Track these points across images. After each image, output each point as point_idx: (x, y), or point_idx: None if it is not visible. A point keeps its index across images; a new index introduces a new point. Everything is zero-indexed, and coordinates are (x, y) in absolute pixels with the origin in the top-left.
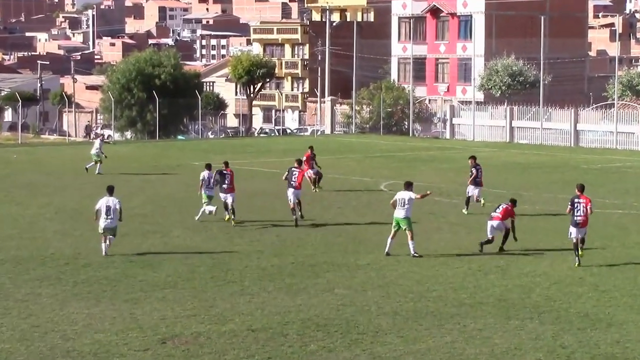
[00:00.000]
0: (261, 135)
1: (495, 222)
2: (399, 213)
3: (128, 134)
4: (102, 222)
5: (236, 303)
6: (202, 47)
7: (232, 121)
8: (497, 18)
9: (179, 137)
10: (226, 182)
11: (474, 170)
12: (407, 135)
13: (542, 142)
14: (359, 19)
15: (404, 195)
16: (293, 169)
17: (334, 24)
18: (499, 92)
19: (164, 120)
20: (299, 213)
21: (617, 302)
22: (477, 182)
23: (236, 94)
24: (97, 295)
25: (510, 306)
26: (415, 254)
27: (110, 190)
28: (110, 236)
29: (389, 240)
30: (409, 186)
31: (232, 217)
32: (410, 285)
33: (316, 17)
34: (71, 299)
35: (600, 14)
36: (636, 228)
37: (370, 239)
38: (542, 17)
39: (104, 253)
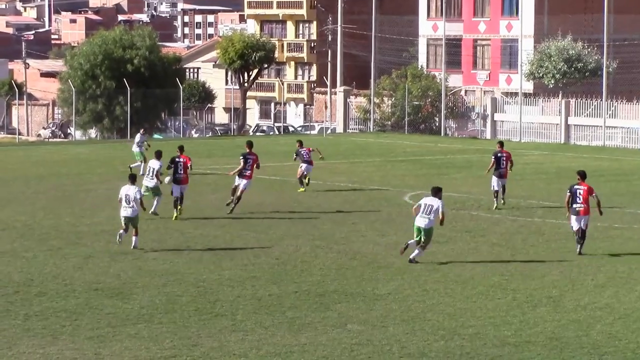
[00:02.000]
0: (257, 134)
1: (582, 218)
2: (421, 221)
3: (92, 132)
4: (122, 211)
5: (226, 341)
6: (184, 24)
7: (221, 117)
8: None
9: (156, 136)
10: (179, 171)
11: (492, 159)
12: (438, 134)
13: (605, 144)
14: None
15: (430, 202)
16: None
17: None
18: (552, 82)
19: (136, 116)
20: None
21: None
22: (500, 174)
23: (227, 83)
24: (54, 331)
25: (565, 346)
26: (413, 260)
27: (133, 179)
28: (132, 227)
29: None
30: (437, 192)
31: (179, 213)
32: (440, 320)
33: None
34: (22, 335)
35: None
36: None
37: (391, 263)
38: None
39: (117, 239)
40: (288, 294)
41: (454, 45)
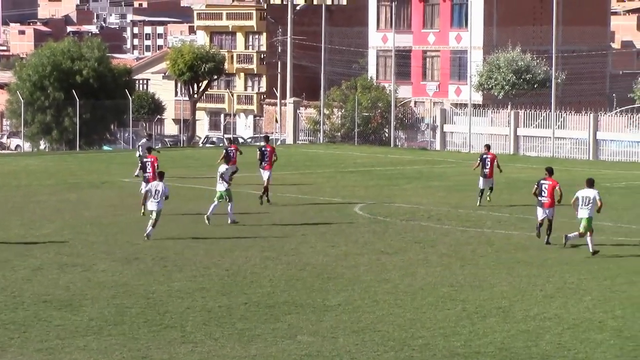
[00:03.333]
0: (207, 145)
1: (546, 210)
2: (583, 213)
3: (41, 144)
4: (149, 204)
5: (175, 353)
6: (133, 36)
7: (170, 128)
8: (499, 1)
9: (105, 147)
10: (148, 170)
11: (478, 161)
12: (388, 145)
13: (554, 155)
14: (329, 2)
15: (587, 193)
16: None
17: (298, 7)
18: (501, 93)
19: (86, 127)
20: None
21: None
22: (485, 175)
23: (176, 95)
24: (3, 343)
25: (514, 357)
26: (595, 251)
27: (161, 176)
28: (154, 218)
29: (588, 239)
30: (591, 184)
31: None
32: (390, 331)
33: None
34: None
35: None
36: None
37: (341, 274)
38: (554, 0)
39: (145, 234)
40: (238, 306)
41: (403, 57)
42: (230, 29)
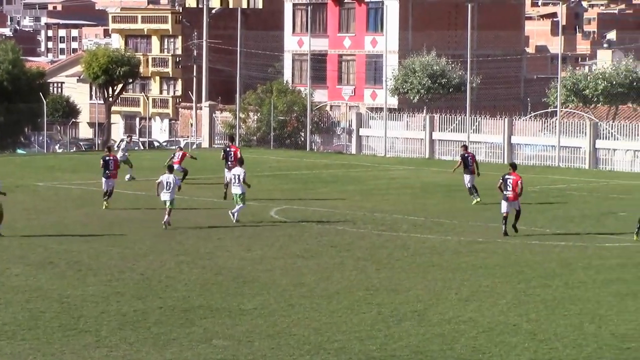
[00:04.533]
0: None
1: (511, 203)
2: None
3: None
4: (163, 195)
5: (90, 358)
6: (47, 39)
7: (85, 131)
8: (414, 6)
9: (19, 150)
10: (110, 167)
11: (460, 160)
12: (304, 149)
13: None
14: (244, 6)
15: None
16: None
17: (213, 11)
18: (417, 97)
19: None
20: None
21: (559, 354)
22: (470, 172)
23: (91, 98)
24: None
25: None
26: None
27: (170, 169)
28: (169, 207)
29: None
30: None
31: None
32: (306, 334)
33: (191, 2)
34: None
35: (539, 2)
36: (582, 264)
37: (257, 278)
38: (469, 5)
39: (164, 222)
40: (153, 310)
41: (319, 61)
42: (145, 32)
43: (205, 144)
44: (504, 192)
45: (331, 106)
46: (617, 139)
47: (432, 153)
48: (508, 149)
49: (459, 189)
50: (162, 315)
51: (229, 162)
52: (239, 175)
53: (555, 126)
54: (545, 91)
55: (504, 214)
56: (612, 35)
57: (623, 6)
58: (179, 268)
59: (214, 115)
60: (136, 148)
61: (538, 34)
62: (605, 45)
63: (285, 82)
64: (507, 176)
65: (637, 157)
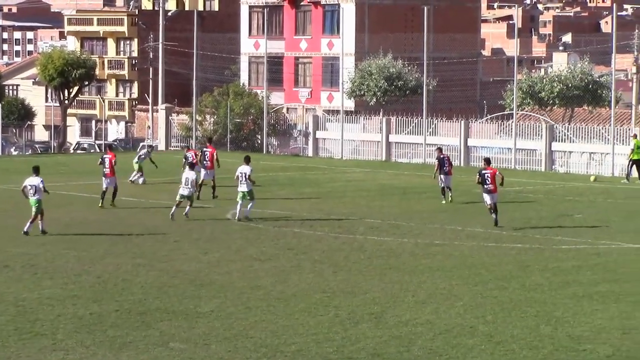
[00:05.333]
0: (78, 151)
1: (492, 195)
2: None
3: None
4: (181, 190)
5: None
6: (2, 41)
7: (41, 134)
8: (370, 8)
9: None
10: (107, 166)
11: (436, 162)
12: (261, 152)
13: (426, 161)
14: (200, 8)
15: (485, 172)
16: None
17: (170, 13)
18: (374, 100)
19: None
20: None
21: (516, 356)
22: (446, 172)
23: (47, 101)
24: None
25: None
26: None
27: (192, 166)
28: (188, 205)
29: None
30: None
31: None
32: (263, 337)
33: (147, 5)
34: None
35: (495, 5)
36: (539, 266)
37: (214, 281)
38: (425, 8)
39: (185, 214)
40: (109, 313)
41: (275, 63)
42: (101, 35)
43: (161, 146)
44: (485, 186)
45: (288, 109)
46: (573, 142)
47: (389, 155)
48: (464, 151)
49: (415, 191)
50: (119, 318)
51: (205, 163)
52: (245, 174)
53: (512, 129)
54: (502, 94)
55: (489, 206)
56: (567, 38)
57: (578, 9)
58: (135, 271)
59: (170, 117)
60: (92, 151)
61: (494, 36)
62: (561, 47)
63: (241, 84)
64: (483, 171)
65: (592, 159)
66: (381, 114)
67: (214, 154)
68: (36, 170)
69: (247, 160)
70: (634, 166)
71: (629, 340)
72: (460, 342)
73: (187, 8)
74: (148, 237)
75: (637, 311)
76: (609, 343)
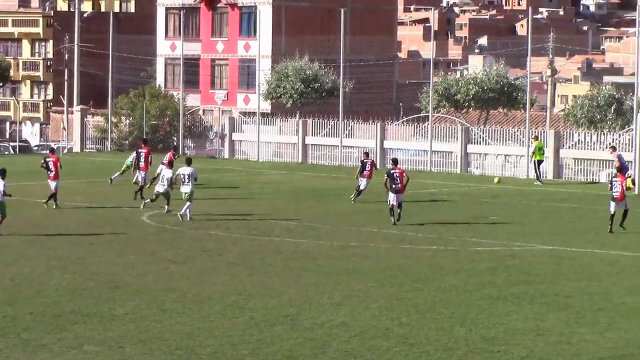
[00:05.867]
0: None
1: (399, 195)
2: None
3: None
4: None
5: None
6: None
7: None
8: (287, 10)
9: None
10: (51, 168)
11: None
12: (177, 154)
13: (342, 163)
14: (116, 10)
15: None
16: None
17: (85, 15)
18: (290, 102)
19: None
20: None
21: (430, 357)
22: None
23: None
24: None
25: None
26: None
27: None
28: (165, 199)
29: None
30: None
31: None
32: (178, 340)
33: (62, 6)
34: None
35: (412, 7)
36: (454, 268)
37: (129, 284)
38: (342, 10)
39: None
40: (23, 316)
41: (192, 65)
42: (16, 36)
43: (77, 148)
44: (393, 186)
45: (204, 110)
46: (488, 144)
47: (305, 157)
48: (381, 153)
49: (331, 193)
50: (33, 321)
51: (140, 163)
52: (188, 175)
53: (427, 131)
54: (418, 96)
55: (391, 206)
56: (483, 40)
57: (494, 12)
58: (50, 273)
59: (85, 119)
60: (7, 153)
61: (410, 39)
62: (476, 50)
63: (157, 86)
64: (392, 171)
65: (508, 161)
66: (298, 116)
67: (149, 155)
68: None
69: (189, 162)
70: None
71: (542, 341)
72: (376, 344)
73: (103, 9)
74: (62, 239)
75: (551, 312)
76: (523, 344)
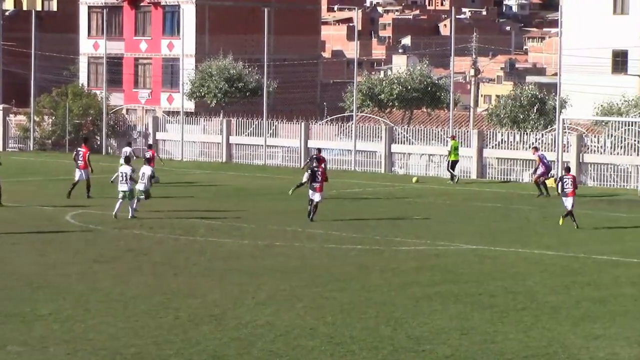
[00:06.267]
0: None
1: (318, 194)
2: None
3: None
4: (138, 185)
5: None
6: None
7: None
8: (211, 10)
9: None
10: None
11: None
12: (100, 153)
13: (266, 163)
14: (39, 8)
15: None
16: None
17: (7, 13)
18: (214, 101)
19: None
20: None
21: (356, 357)
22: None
23: None
24: None
25: None
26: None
27: (148, 161)
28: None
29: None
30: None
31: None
32: (102, 340)
33: None
34: None
35: (335, 7)
36: (379, 267)
37: (52, 283)
38: (266, 10)
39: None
40: None
41: (115, 64)
42: None
43: None
44: (312, 184)
45: (127, 110)
46: (412, 143)
47: (230, 157)
48: (304, 153)
49: (256, 193)
50: None
51: (78, 162)
52: (126, 174)
53: (351, 130)
54: (342, 95)
55: (314, 203)
56: (407, 40)
57: (418, 12)
58: None
59: (7, 118)
60: None
61: (334, 38)
62: (400, 50)
63: (80, 85)
64: (315, 168)
65: (431, 161)
66: (222, 115)
67: (87, 154)
68: None
69: (127, 161)
70: (454, 166)
71: (467, 340)
72: (301, 343)
73: (25, 8)
74: None
75: (476, 311)
76: (447, 343)
